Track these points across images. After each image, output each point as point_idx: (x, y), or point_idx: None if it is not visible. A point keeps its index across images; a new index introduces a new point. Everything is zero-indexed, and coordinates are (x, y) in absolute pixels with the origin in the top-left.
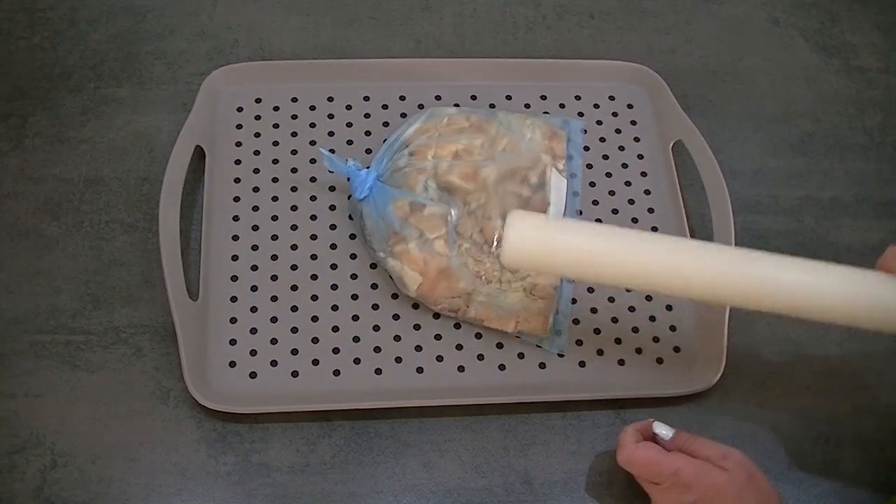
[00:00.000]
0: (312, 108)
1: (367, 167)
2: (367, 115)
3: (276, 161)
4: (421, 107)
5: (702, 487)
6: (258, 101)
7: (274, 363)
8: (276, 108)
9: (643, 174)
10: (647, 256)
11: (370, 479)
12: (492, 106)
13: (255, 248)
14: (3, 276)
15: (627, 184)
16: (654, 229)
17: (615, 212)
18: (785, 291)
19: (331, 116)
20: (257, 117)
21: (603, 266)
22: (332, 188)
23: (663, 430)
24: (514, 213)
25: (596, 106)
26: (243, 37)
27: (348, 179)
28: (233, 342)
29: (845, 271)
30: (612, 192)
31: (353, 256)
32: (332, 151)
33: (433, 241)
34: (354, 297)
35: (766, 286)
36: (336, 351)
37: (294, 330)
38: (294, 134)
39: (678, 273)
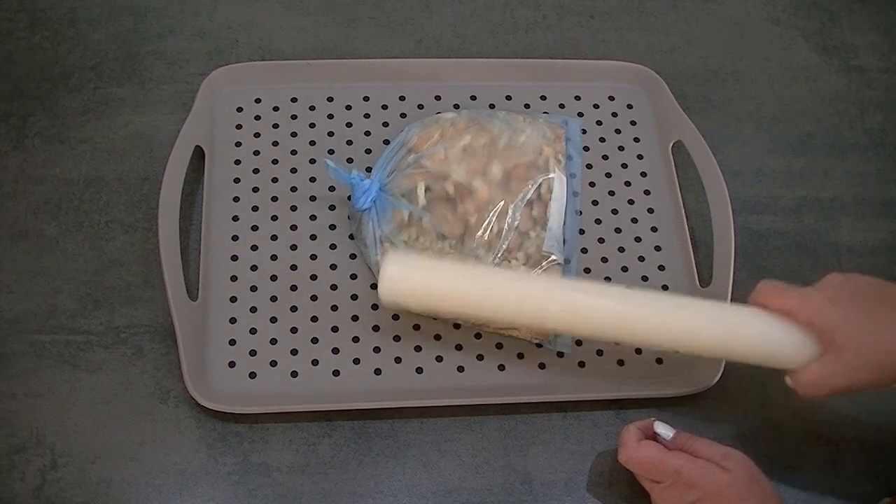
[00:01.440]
0: (312, 108)
1: (368, 169)
2: (366, 116)
3: (275, 161)
4: (420, 107)
5: (703, 487)
6: (258, 101)
7: (273, 363)
8: (275, 109)
9: (643, 174)
10: (502, 294)
11: (370, 479)
12: (491, 106)
13: (254, 248)
14: (3, 276)
15: (627, 184)
16: (654, 230)
17: (615, 212)
18: (665, 334)
19: (330, 117)
20: (257, 117)
21: (463, 306)
22: (331, 188)
23: (664, 430)
24: (387, 254)
25: (595, 106)
26: (243, 37)
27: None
28: (232, 342)
29: (720, 309)
30: (611, 193)
31: (353, 256)
32: (331, 152)
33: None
34: (354, 297)
35: (619, 323)
36: (336, 351)
37: (294, 330)
38: (294, 134)
39: (532, 309)
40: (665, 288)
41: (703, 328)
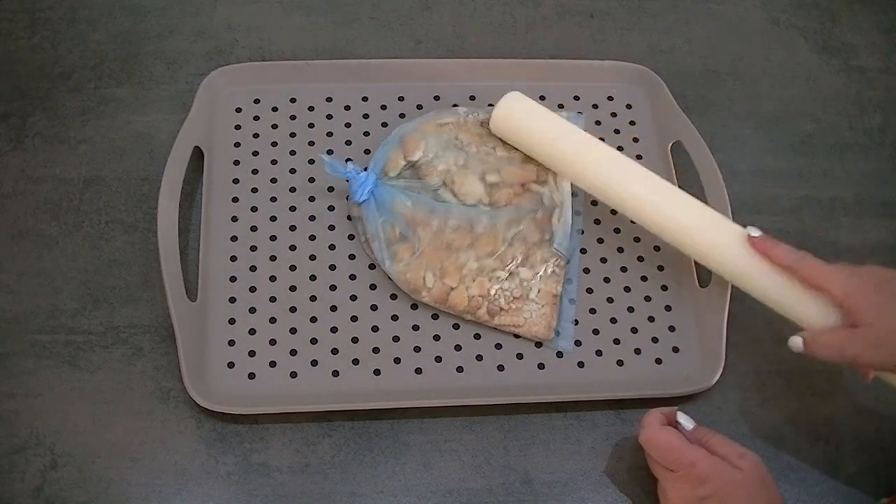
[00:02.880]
0: (311, 108)
1: (366, 168)
2: (365, 116)
3: (274, 162)
4: (420, 107)
5: (716, 483)
6: (257, 101)
7: (273, 364)
8: (274, 109)
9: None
10: (586, 162)
11: (370, 479)
12: (490, 106)
13: (253, 248)
14: (3, 276)
15: None
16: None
17: (614, 213)
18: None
19: (329, 117)
20: (256, 118)
21: (553, 157)
22: (330, 189)
23: (685, 421)
24: (511, 93)
25: (595, 106)
26: (243, 37)
27: (347, 181)
28: (231, 343)
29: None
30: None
31: (352, 257)
32: (330, 153)
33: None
34: (353, 297)
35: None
36: (335, 352)
37: (293, 331)
38: (293, 135)
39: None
40: (664, 289)
41: (752, 267)
